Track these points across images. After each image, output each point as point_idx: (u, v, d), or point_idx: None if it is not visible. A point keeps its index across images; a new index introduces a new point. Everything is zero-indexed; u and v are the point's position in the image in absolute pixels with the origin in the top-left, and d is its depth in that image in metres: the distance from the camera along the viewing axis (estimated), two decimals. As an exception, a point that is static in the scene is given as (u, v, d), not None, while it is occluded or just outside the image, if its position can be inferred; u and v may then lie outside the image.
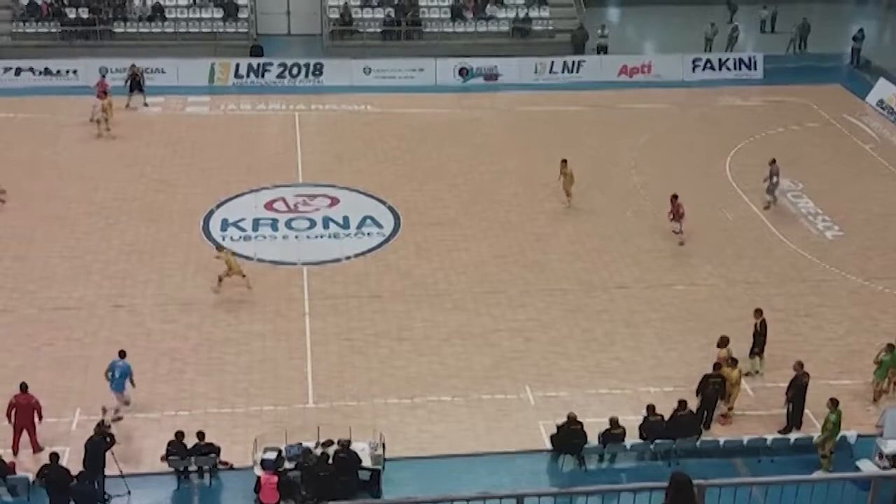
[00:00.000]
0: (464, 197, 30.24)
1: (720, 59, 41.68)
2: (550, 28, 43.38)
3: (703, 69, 41.35)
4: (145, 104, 36.08)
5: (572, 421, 19.61)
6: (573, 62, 41.09)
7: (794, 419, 20.44)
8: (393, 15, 42.67)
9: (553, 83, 40.09)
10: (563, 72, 40.81)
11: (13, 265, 25.55)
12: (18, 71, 37.58)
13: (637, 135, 35.20)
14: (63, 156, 32.23)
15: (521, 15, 43.04)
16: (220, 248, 25.54)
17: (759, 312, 22.36)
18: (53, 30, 40.27)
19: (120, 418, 20.04)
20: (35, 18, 40.37)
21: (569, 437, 19.56)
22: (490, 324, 24.10)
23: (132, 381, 20.27)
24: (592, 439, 19.64)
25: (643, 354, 23.12)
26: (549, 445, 19.93)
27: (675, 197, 27.65)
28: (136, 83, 36.08)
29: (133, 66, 36.45)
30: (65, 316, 23.50)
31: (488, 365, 22.54)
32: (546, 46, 42.30)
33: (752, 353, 22.21)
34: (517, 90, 39.11)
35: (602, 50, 42.56)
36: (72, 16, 40.59)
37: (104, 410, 19.73)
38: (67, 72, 38.01)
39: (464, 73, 40.33)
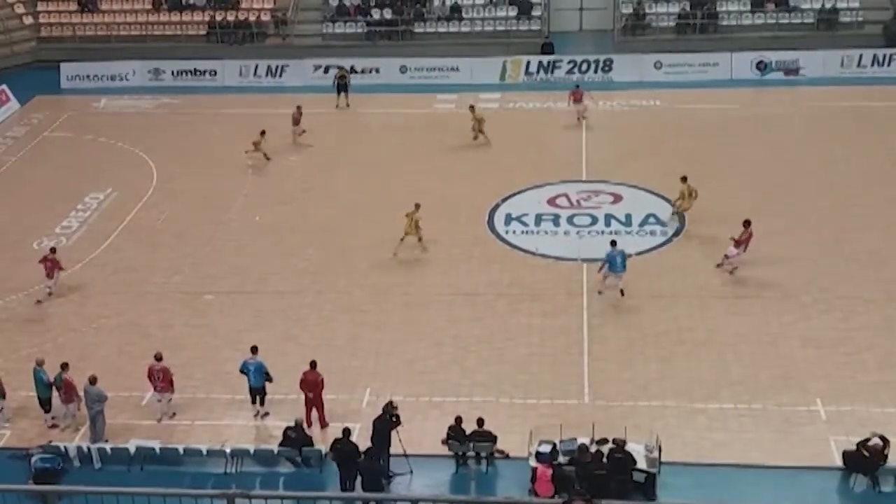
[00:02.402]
0: (756, 197, 28.89)
1: None
2: (860, 19, 40.47)
3: None
4: (347, 105, 37.32)
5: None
6: (885, 55, 38.17)
7: None
8: (688, 8, 41.56)
9: (861, 77, 37.37)
10: (872, 65, 37.98)
11: (317, 252, 27.43)
12: (327, 69, 40.31)
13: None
14: (362, 148, 34.21)
15: (828, 5, 40.44)
16: (417, 206, 26.67)
17: None
18: (359, 30, 42.83)
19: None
20: (343, 19, 43.14)
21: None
22: (778, 331, 22.88)
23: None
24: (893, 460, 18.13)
25: (954, 374, 21.05)
26: (839, 462, 18.61)
27: (747, 223, 24.89)
28: (342, 85, 37.47)
29: (340, 67, 37.88)
30: (359, 300, 24.92)
31: (776, 374, 21.40)
32: (854, 38, 39.57)
33: None
34: (820, 85, 36.85)
35: (918, 42, 39.14)
36: (376, 16, 42.99)
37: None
38: (371, 70, 40.28)
39: (762, 66, 38.55)
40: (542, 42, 41.48)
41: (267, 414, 20.76)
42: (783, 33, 40.38)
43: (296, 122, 34.03)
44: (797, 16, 40.80)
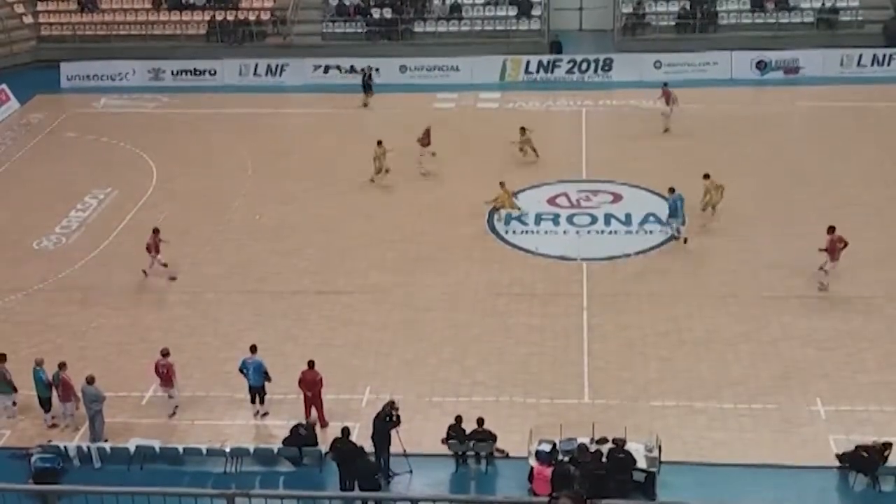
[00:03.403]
0: (756, 197, 28.91)
1: None
2: (860, 18, 40.47)
3: None
4: (365, 104, 37.26)
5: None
6: (884, 55, 38.18)
7: None
8: (688, 7, 41.56)
9: (860, 77, 37.39)
10: (872, 65, 37.99)
11: (317, 252, 27.42)
12: (327, 69, 40.32)
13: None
14: (362, 148, 34.11)
15: (828, 5, 40.44)
16: (502, 184, 27.93)
17: None
18: (359, 30, 42.82)
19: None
20: (343, 19, 43.13)
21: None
22: (778, 331, 22.88)
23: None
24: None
25: (954, 374, 21.07)
26: (838, 462, 18.62)
27: (831, 229, 23.98)
28: (368, 84, 37.46)
29: (367, 67, 37.88)
30: (359, 300, 24.91)
31: (775, 373, 21.41)
32: (854, 38, 39.57)
33: None
34: (820, 84, 36.86)
35: (919, 41, 39.15)
36: (376, 16, 42.98)
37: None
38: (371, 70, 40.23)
39: (761, 66, 38.56)
40: (550, 41, 41.37)
41: (266, 413, 20.76)
42: (783, 33, 40.38)
43: (424, 143, 31.88)
44: (797, 15, 40.80)
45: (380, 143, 30.65)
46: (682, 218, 26.68)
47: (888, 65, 38.02)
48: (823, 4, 40.58)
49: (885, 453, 18.10)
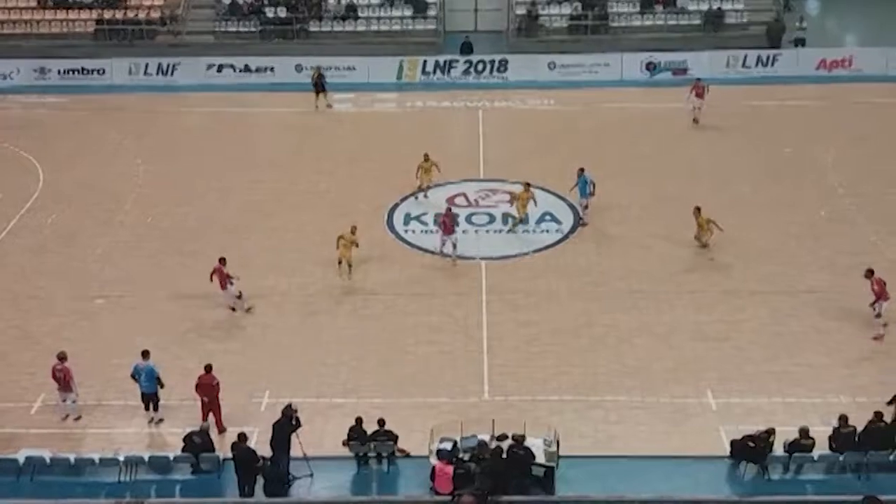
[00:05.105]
0: (648, 194, 29.64)
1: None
2: (744, 20, 41.89)
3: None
4: (328, 105, 37.06)
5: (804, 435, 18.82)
6: (768, 56, 39.56)
7: None
8: (580, 9, 42.30)
9: (746, 77, 38.72)
10: (756, 66, 39.35)
11: (213, 254, 26.85)
12: (220, 68, 39.69)
13: (836, 132, 33.57)
14: (258, 149, 33.79)
15: (715, 7, 41.73)
16: (527, 185, 27.79)
17: None
18: (253, 28, 42.26)
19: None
20: (237, 17, 42.49)
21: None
22: (672, 325, 23.51)
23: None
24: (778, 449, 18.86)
25: (835, 362, 21.98)
26: (729, 451, 19.22)
27: (870, 273, 22.85)
28: (320, 84, 37.21)
29: (317, 66, 37.63)
30: (256, 303, 24.53)
31: (669, 367, 22.00)
32: (739, 39, 40.95)
33: None
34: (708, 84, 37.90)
35: (799, 43, 40.70)
36: (270, 15, 42.47)
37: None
38: (265, 69, 39.84)
39: (651, 67, 39.53)
40: (462, 42, 41.40)
41: (162, 420, 20.32)
42: (671, 34, 41.45)
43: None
44: (684, 17, 41.97)
45: (426, 157, 29.38)
46: (585, 196, 27.63)
47: (771, 65, 39.44)
48: (710, 7, 41.82)
49: (770, 440, 18.77)
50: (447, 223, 26.26)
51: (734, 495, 18.41)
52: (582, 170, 27.81)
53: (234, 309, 24.12)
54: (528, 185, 27.84)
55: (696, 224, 26.26)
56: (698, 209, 26.36)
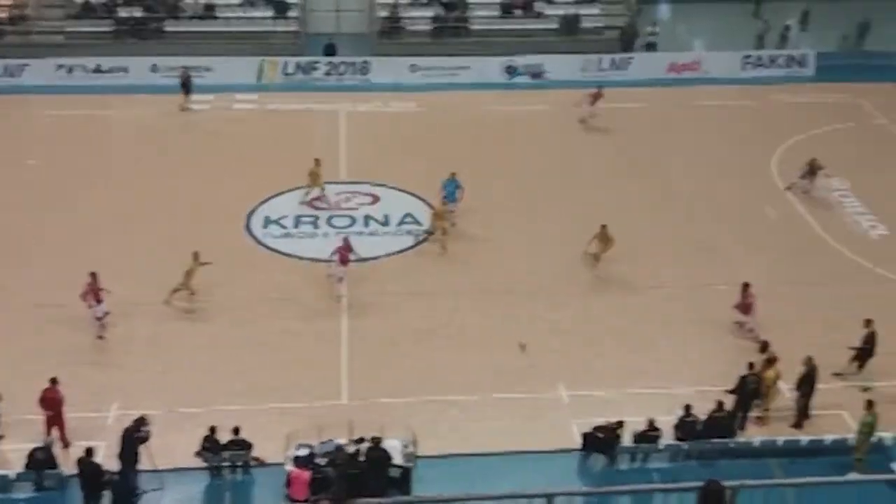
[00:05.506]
0: (507, 195, 30.13)
1: (771, 57, 41.09)
2: (599, 25, 43.03)
3: (754, 67, 40.83)
4: (189, 107, 36.36)
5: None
6: (621, 59, 40.75)
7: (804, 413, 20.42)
8: (442, 13, 42.63)
9: (600, 80, 39.70)
10: (610, 69, 40.49)
11: (59, 263, 25.95)
12: (71, 69, 38.33)
13: (684, 132, 34.93)
14: (112, 153, 32.78)
15: (571, 12, 42.73)
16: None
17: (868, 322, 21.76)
18: (106, 28, 40.97)
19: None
20: (89, 17, 41.09)
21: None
22: (527, 322, 23.97)
23: None
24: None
25: (681, 354, 22.86)
26: (580, 444, 19.76)
27: (746, 286, 23.58)
28: (187, 85, 36.48)
29: (184, 68, 36.90)
30: (111, 314, 23.78)
31: (523, 364, 22.43)
32: (594, 44, 41.98)
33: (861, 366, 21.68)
34: (564, 88, 38.81)
35: (650, 47, 42.09)
36: (124, 14, 41.25)
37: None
38: (119, 70, 38.66)
39: (510, 70, 40.18)
40: (326, 43, 41.03)
41: (2, 437, 19.46)
42: (529, 38, 42.14)
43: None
44: (542, 21, 42.82)
45: (317, 161, 29.25)
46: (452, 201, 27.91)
47: (625, 69, 40.67)
48: (567, 12, 42.80)
49: (618, 431, 19.39)
50: (343, 255, 24.80)
51: (585, 486, 18.91)
52: (454, 174, 27.98)
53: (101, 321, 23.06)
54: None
55: (598, 239, 25.84)
56: (604, 227, 25.87)
